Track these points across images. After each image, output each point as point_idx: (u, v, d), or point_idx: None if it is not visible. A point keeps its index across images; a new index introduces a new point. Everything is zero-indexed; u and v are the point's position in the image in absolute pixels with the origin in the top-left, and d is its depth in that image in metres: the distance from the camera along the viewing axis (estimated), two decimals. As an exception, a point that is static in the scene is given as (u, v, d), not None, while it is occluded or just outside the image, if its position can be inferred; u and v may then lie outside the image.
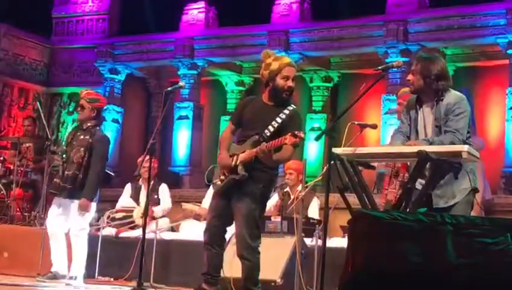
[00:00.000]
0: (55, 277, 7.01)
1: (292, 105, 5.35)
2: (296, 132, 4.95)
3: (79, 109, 7.00)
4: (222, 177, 5.32)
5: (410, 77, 4.81)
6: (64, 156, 6.99)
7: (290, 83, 5.26)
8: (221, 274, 5.58)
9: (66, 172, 6.90)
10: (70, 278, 7.04)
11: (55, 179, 7.01)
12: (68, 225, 7.05)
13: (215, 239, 5.37)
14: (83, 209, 6.83)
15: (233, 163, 5.23)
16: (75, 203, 6.93)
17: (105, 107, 8.62)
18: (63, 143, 7.16)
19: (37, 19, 15.25)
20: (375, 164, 5.08)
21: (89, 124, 7.00)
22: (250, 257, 5.25)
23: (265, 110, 5.31)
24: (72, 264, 7.08)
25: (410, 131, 4.85)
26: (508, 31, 11.15)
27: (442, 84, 4.74)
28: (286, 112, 5.23)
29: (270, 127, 5.19)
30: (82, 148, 6.89)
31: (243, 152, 5.22)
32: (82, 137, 6.95)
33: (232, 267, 5.82)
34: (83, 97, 7.01)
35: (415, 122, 4.83)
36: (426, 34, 12.09)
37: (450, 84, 4.81)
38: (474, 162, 4.67)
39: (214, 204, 5.42)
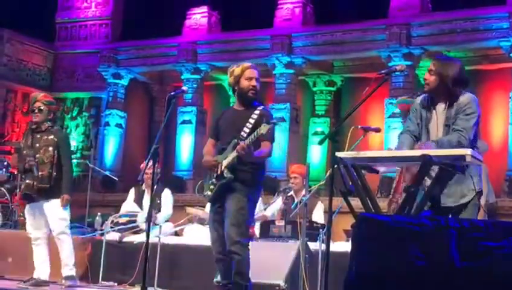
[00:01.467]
0: (38, 283, 7.02)
1: (261, 106, 5.59)
2: (269, 121, 5.23)
3: (36, 111, 7.10)
4: (211, 187, 5.52)
5: (427, 76, 4.81)
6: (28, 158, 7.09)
7: (253, 83, 5.53)
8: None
9: (40, 173, 6.98)
10: (64, 280, 7.05)
11: (27, 181, 7.04)
12: (47, 229, 7.11)
13: (224, 247, 5.43)
14: (65, 203, 6.99)
15: (219, 171, 5.45)
16: (52, 202, 6.98)
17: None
18: (21, 146, 7.23)
19: (40, 24, 15.28)
20: (380, 168, 5.08)
21: (47, 125, 7.16)
22: (238, 251, 5.33)
23: (237, 116, 5.59)
24: (62, 267, 7.09)
25: (421, 130, 4.85)
26: (511, 34, 11.15)
27: (459, 88, 4.75)
28: (257, 112, 5.48)
29: (245, 129, 5.42)
30: (50, 148, 7.06)
31: (226, 158, 5.44)
32: (46, 137, 7.10)
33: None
34: (40, 100, 7.17)
35: (426, 122, 4.81)
36: (429, 38, 12.10)
37: (466, 89, 4.82)
38: (479, 165, 4.66)
39: (212, 215, 5.57)
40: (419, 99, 4.98)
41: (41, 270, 7.11)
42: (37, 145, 7.09)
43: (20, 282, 7.12)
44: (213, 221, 5.56)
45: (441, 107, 4.79)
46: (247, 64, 5.65)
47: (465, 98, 4.74)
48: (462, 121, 4.64)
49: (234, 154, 5.33)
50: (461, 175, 4.54)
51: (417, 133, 4.87)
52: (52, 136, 7.11)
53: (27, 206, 7.22)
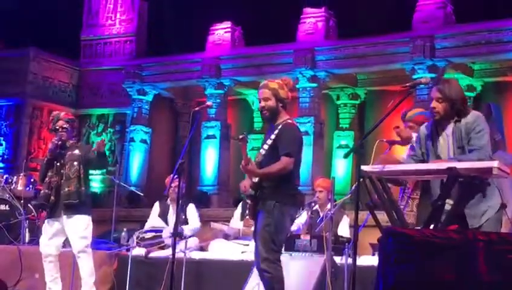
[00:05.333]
0: None
1: (286, 120, 5.50)
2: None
3: (60, 130, 7.18)
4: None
5: (435, 104, 4.79)
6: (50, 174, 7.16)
7: (260, 104, 5.53)
8: None
9: (66, 189, 7.02)
10: None
11: (52, 198, 7.06)
12: (59, 248, 7.15)
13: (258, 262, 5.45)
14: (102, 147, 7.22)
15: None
16: (75, 218, 7.00)
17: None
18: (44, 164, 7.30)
19: (65, 42, 15.43)
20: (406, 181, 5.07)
21: (71, 141, 7.25)
22: (268, 269, 5.29)
23: (267, 132, 5.59)
24: (82, 286, 7.09)
25: (429, 158, 4.84)
26: (536, 45, 11.09)
27: (466, 105, 4.79)
28: (278, 128, 5.43)
29: (264, 146, 5.42)
30: (76, 163, 7.09)
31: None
32: (70, 153, 7.14)
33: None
34: (63, 118, 7.27)
35: (434, 149, 4.82)
36: (453, 50, 12.05)
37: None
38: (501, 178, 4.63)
39: (254, 231, 5.61)
40: (423, 129, 4.99)
41: (53, 287, 7.13)
42: (62, 161, 7.15)
43: None
44: (253, 237, 5.64)
45: (449, 130, 4.79)
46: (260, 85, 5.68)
47: (472, 116, 4.77)
48: (476, 140, 4.66)
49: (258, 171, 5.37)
50: (480, 194, 4.53)
51: (421, 160, 4.89)
52: (76, 151, 7.19)
53: (46, 222, 7.24)
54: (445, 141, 4.79)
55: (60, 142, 7.17)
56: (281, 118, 5.52)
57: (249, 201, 5.51)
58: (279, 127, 5.43)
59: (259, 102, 5.54)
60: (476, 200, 4.56)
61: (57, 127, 7.22)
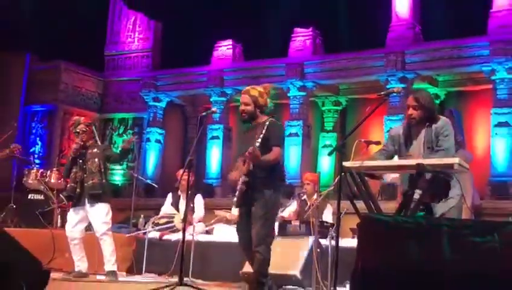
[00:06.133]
0: (79, 275, 7.04)
1: (270, 119, 5.45)
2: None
3: (81, 132, 7.15)
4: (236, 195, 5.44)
5: (412, 111, 4.81)
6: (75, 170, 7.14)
7: (241, 107, 5.47)
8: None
9: (90, 181, 7.00)
10: (106, 274, 7.05)
11: (78, 190, 7.04)
12: (83, 231, 7.14)
13: (249, 246, 5.38)
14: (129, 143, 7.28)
15: (238, 177, 5.34)
16: (98, 206, 6.99)
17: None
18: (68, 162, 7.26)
19: (92, 56, 15.43)
20: (387, 178, 5.09)
21: (90, 142, 7.26)
22: (263, 252, 5.26)
23: (248, 134, 5.50)
24: (105, 263, 7.09)
25: (400, 155, 4.87)
26: (491, 60, 11.08)
27: (436, 113, 4.84)
28: (265, 126, 5.35)
29: (256, 143, 5.27)
30: (96, 159, 7.11)
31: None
32: (90, 151, 7.15)
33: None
34: (83, 122, 7.27)
35: (407, 148, 4.84)
36: (421, 64, 12.05)
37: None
38: (461, 172, 4.64)
39: (239, 218, 5.49)
40: (398, 129, 5.01)
41: (81, 264, 7.13)
42: (84, 158, 7.16)
43: (65, 274, 7.14)
44: (239, 223, 5.52)
45: (422, 133, 4.82)
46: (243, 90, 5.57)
47: (441, 121, 4.84)
48: (443, 142, 4.72)
49: (247, 161, 5.24)
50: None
51: (391, 155, 4.92)
52: (96, 150, 7.18)
53: (71, 210, 7.23)
54: (417, 142, 4.81)
55: (82, 143, 7.17)
56: (260, 117, 5.45)
57: (243, 187, 5.28)
58: (267, 123, 5.36)
59: (241, 105, 5.48)
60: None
61: (78, 130, 7.21)
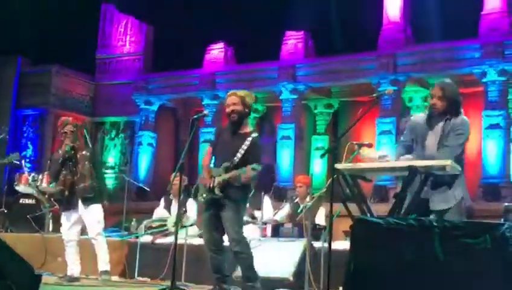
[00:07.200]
0: (71, 279, 7.00)
1: (253, 134, 5.48)
2: (254, 165, 5.23)
3: (68, 133, 7.07)
4: (204, 195, 5.50)
5: (435, 101, 4.64)
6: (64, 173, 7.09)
7: (229, 108, 5.46)
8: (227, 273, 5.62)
9: (82, 184, 6.95)
10: (100, 274, 7.03)
11: (66, 192, 7.00)
12: (79, 233, 7.12)
13: (217, 247, 5.43)
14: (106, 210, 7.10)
15: (211, 185, 5.41)
16: (91, 207, 6.96)
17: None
18: (59, 163, 7.16)
19: (83, 59, 15.41)
20: (372, 177, 5.04)
21: (78, 143, 7.13)
22: (242, 249, 5.32)
23: (231, 141, 5.50)
24: (98, 263, 7.07)
25: (416, 145, 4.75)
26: (482, 63, 11.14)
27: (459, 108, 4.69)
28: (249, 140, 5.39)
29: (238, 155, 5.34)
30: (86, 162, 7.02)
31: (219, 176, 5.40)
32: (80, 154, 7.06)
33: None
34: (71, 123, 7.15)
35: (422, 138, 4.71)
36: (412, 66, 12.11)
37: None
38: (463, 176, 4.61)
39: (204, 217, 5.55)
40: (418, 118, 4.86)
41: (74, 268, 7.10)
42: (74, 160, 7.09)
43: (58, 278, 7.11)
44: (206, 224, 5.53)
45: (438, 126, 4.67)
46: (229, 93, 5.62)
47: (459, 119, 4.62)
48: (452, 139, 4.55)
49: (226, 176, 5.30)
50: (446, 186, 4.51)
51: (411, 145, 4.78)
52: (84, 152, 7.13)
53: (63, 214, 7.19)
54: (434, 135, 4.68)
55: (72, 146, 7.11)
56: (245, 126, 5.50)
57: (206, 194, 5.41)
58: (250, 139, 5.40)
59: (228, 107, 5.47)
60: (443, 189, 4.53)
61: (66, 131, 7.14)
